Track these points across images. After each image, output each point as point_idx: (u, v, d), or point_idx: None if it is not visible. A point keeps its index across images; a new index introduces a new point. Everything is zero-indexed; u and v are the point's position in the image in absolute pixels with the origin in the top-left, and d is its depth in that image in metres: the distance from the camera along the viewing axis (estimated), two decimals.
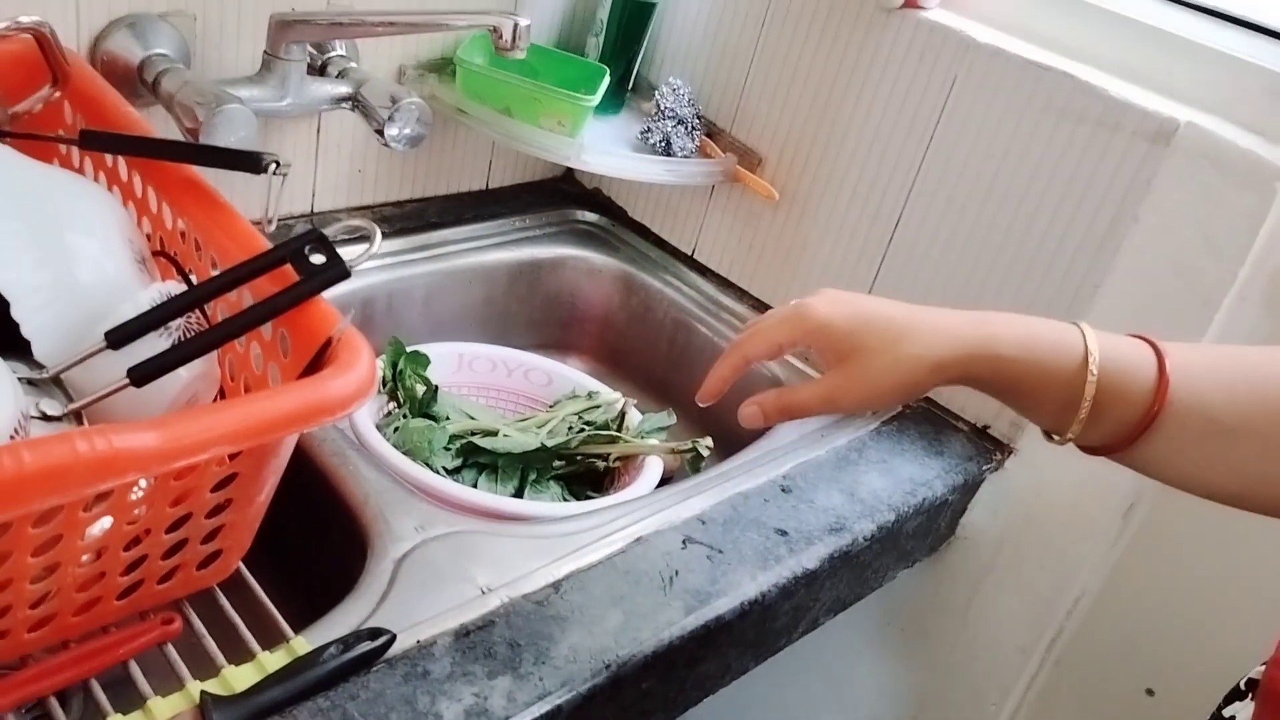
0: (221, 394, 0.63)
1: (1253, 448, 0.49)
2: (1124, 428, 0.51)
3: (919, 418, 0.94)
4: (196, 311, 0.59)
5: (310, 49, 0.88)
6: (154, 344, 0.56)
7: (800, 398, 0.56)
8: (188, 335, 0.58)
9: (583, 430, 0.95)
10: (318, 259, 0.57)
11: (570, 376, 1.01)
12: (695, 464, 0.90)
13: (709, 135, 1.05)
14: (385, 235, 1.04)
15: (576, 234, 1.14)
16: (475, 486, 0.89)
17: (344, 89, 0.85)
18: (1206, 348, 0.54)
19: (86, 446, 0.42)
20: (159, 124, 0.83)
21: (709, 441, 0.90)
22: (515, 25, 0.75)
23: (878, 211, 0.96)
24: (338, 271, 0.56)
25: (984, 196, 0.88)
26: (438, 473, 0.89)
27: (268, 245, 0.59)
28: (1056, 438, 0.54)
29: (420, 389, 0.92)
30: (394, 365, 0.92)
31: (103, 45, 0.79)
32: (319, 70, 0.88)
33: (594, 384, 1.00)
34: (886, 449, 0.89)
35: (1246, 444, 0.49)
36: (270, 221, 0.63)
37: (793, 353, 0.74)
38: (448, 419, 0.94)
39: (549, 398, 1.01)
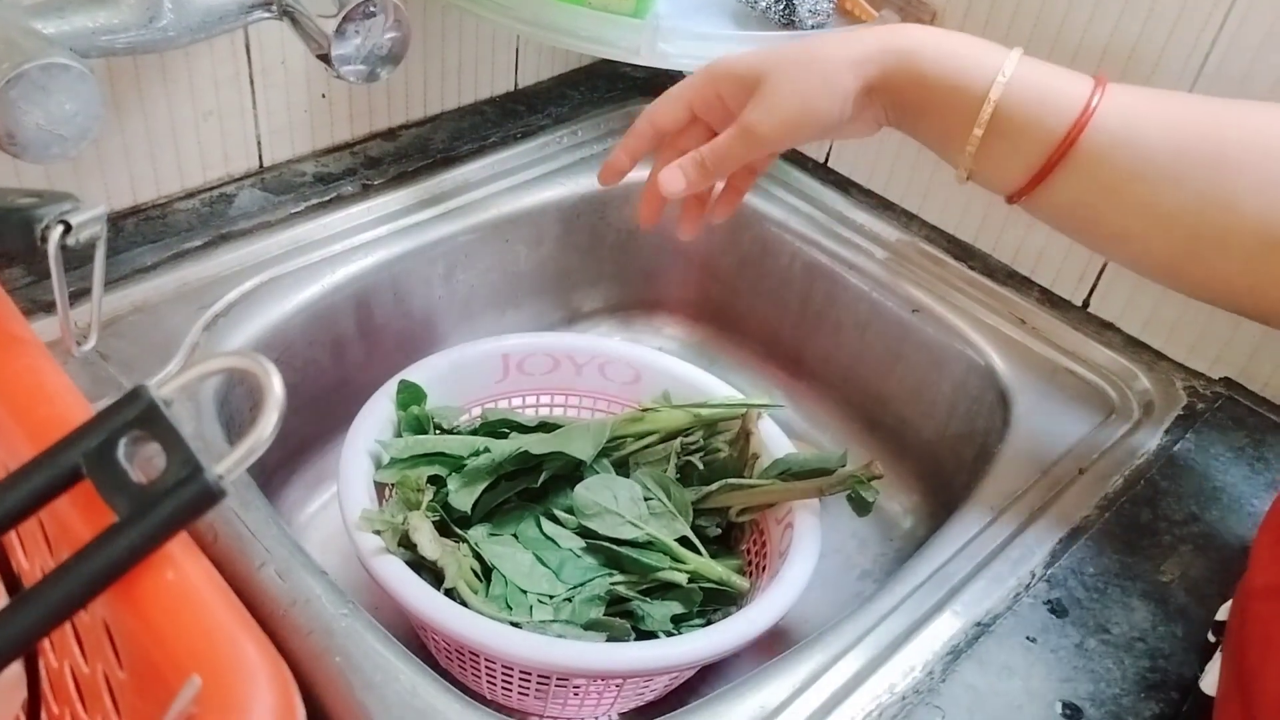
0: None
1: (1190, 189, 0.44)
2: (1032, 160, 0.46)
3: (1222, 418, 0.61)
4: None
5: None
6: None
7: (717, 141, 0.50)
8: None
9: (688, 459, 0.64)
10: (156, 456, 0.26)
11: (666, 367, 0.69)
12: (861, 505, 0.59)
13: None
14: (376, 187, 0.71)
15: None
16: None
17: None
18: (1166, 92, 0.46)
19: None
20: None
21: (878, 469, 0.59)
22: None
23: None
24: (190, 498, 0.25)
25: None
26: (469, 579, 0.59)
27: (81, 406, 0.29)
28: (961, 173, 0.49)
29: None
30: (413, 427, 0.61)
31: None
32: None
33: (698, 375, 0.68)
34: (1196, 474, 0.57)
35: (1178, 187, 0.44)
36: (83, 341, 0.31)
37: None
38: (498, 475, 0.63)
39: (639, 399, 0.70)
